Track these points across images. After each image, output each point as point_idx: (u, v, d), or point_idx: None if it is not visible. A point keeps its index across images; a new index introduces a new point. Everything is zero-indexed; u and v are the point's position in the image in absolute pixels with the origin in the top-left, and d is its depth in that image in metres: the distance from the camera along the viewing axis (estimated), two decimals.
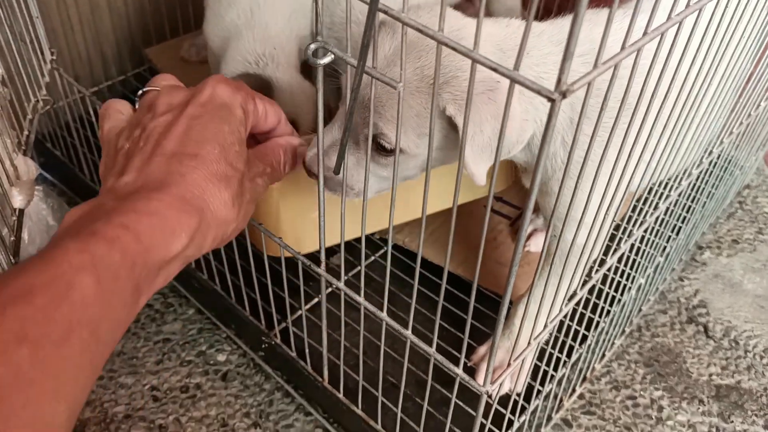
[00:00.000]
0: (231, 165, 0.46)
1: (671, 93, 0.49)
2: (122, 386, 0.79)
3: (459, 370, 0.52)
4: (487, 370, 0.50)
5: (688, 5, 0.39)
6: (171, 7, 1.07)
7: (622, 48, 0.36)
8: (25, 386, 0.32)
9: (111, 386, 0.79)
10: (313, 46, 0.43)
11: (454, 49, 0.35)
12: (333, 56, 0.43)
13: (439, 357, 0.53)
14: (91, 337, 0.35)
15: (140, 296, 0.40)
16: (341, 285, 0.58)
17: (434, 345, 0.53)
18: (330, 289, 0.61)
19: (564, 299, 0.57)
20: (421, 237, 0.50)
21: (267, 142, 0.54)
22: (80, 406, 0.36)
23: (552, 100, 0.33)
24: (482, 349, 0.75)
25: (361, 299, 0.57)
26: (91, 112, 0.82)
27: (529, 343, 0.55)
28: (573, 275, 0.57)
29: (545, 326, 0.55)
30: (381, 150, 0.55)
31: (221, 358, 0.82)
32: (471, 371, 0.74)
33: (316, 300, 0.81)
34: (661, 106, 0.48)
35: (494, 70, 0.34)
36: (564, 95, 0.33)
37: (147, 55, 1.09)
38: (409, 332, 0.54)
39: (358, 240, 0.88)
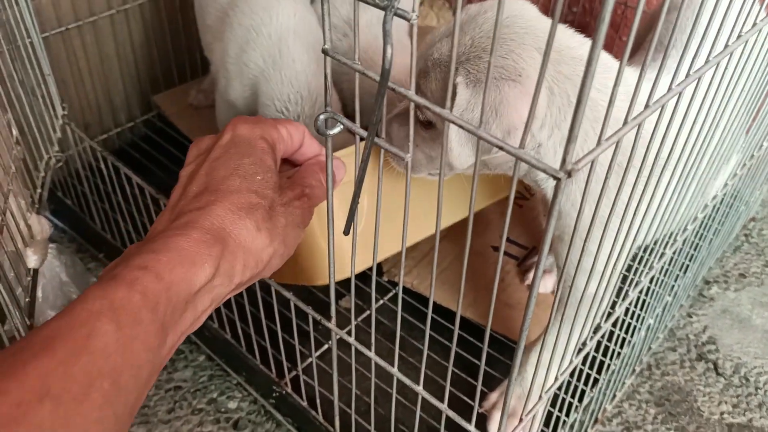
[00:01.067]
0: (256, 193, 0.46)
1: (674, 155, 0.50)
2: None
3: (471, 427, 0.52)
4: (500, 425, 0.50)
5: (688, 75, 0.40)
6: (178, 54, 1.09)
7: (625, 122, 0.36)
8: None
9: None
10: (322, 117, 0.44)
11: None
12: (342, 126, 0.44)
13: (451, 413, 0.53)
14: (112, 387, 0.35)
15: (167, 336, 0.39)
16: (351, 339, 0.58)
17: (446, 400, 0.53)
18: (339, 337, 0.61)
19: (575, 347, 0.58)
20: (432, 282, 0.51)
21: (302, 166, 0.54)
22: None
23: (557, 179, 0.34)
24: (494, 396, 0.76)
25: (372, 354, 0.57)
26: (100, 160, 0.84)
27: (540, 396, 0.55)
28: (585, 323, 0.58)
29: (556, 378, 0.56)
30: (421, 123, 0.57)
31: (232, 405, 0.82)
32: (482, 420, 0.74)
33: (326, 346, 0.82)
34: (663, 169, 0.49)
35: (500, 148, 0.35)
36: (569, 174, 0.33)
37: (155, 102, 1.11)
38: (420, 388, 0.55)
39: (366, 283, 0.89)
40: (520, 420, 0.54)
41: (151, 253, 0.40)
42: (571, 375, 0.68)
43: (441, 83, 0.55)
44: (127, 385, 0.36)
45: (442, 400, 0.54)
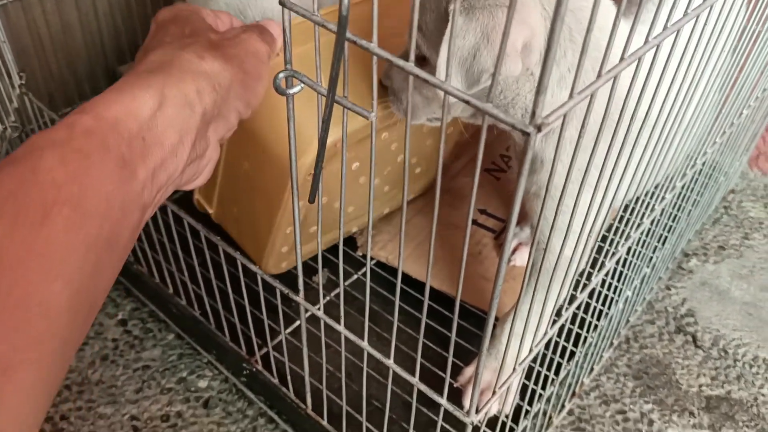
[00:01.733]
0: (192, 35, 0.47)
1: (653, 110, 0.48)
2: (101, 416, 0.77)
3: (443, 401, 0.50)
4: (472, 397, 0.49)
5: (665, 28, 0.38)
6: (144, 24, 1.05)
7: (598, 76, 0.34)
8: (7, 269, 0.31)
9: (90, 417, 0.77)
10: (281, 75, 0.42)
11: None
12: (303, 86, 0.42)
13: (423, 387, 0.51)
14: (74, 213, 0.34)
15: (135, 171, 0.37)
16: (320, 313, 0.56)
17: (417, 374, 0.51)
18: (310, 313, 0.59)
19: (551, 316, 0.56)
20: (401, 249, 0.49)
21: None
22: (88, 289, 0.34)
23: (527, 134, 0.31)
24: (469, 370, 0.74)
25: (341, 328, 0.55)
26: None
27: (514, 369, 0.53)
28: (561, 289, 0.56)
29: (530, 350, 0.54)
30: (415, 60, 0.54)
31: (203, 384, 0.80)
32: (457, 393, 0.73)
33: (298, 323, 0.79)
34: (643, 122, 0.47)
35: (467, 102, 0.33)
36: (539, 129, 0.31)
37: (121, 73, 1.07)
38: (391, 361, 0.53)
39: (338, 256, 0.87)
40: (494, 393, 0.52)
41: (89, 102, 0.39)
42: (547, 347, 0.66)
43: (435, 14, 0.52)
44: (94, 212, 0.35)
45: (416, 374, 0.52)
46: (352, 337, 0.55)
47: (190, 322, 0.79)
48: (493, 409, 0.69)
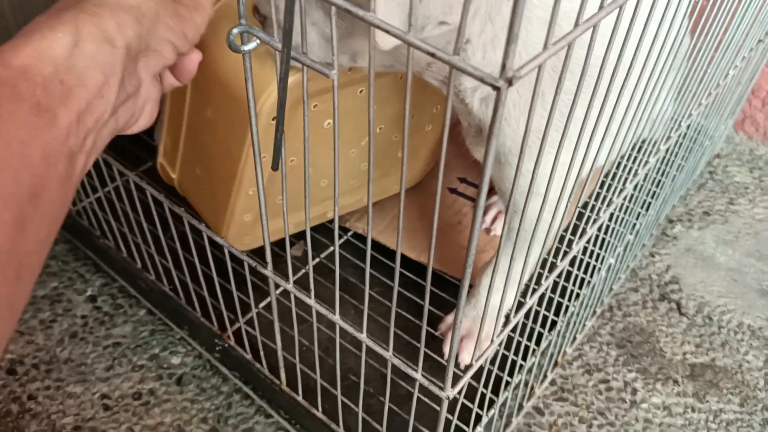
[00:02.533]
0: None
1: (634, 65, 0.45)
2: (70, 396, 0.74)
3: (418, 375, 0.48)
4: (452, 343, 0.46)
5: None
6: None
7: (576, 25, 0.32)
8: None
9: (58, 396, 0.74)
10: (236, 31, 0.39)
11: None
12: (259, 42, 0.39)
13: (396, 360, 0.49)
14: None
15: (55, 117, 0.34)
16: (290, 287, 0.54)
17: (390, 347, 0.49)
18: (282, 288, 0.57)
19: (531, 271, 0.54)
20: (369, 220, 0.46)
21: None
22: (10, 249, 0.32)
23: (497, 89, 0.29)
24: (450, 318, 0.72)
25: (311, 301, 0.53)
26: None
27: (492, 340, 0.51)
28: (534, 251, 0.53)
29: (505, 324, 0.52)
30: None
31: (175, 360, 0.78)
32: (433, 369, 0.71)
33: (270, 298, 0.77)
34: (625, 79, 0.45)
35: (432, 55, 0.30)
36: (510, 83, 0.29)
37: None
38: (363, 335, 0.51)
39: (315, 229, 0.84)
40: (475, 346, 0.50)
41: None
42: (527, 317, 0.64)
43: None
44: (5, 165, 0.32)
45: (390, 348, 0.50)
46: (323, 311, 0.53)
47: (160, 297, 0.76)
48: (465, 359, 0.68)
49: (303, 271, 0.78)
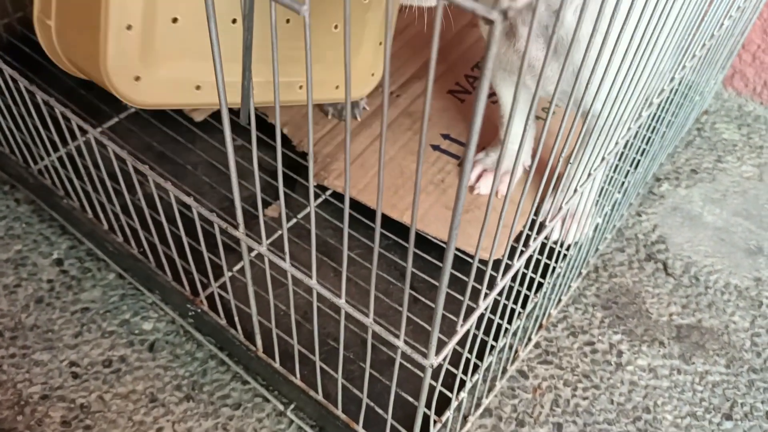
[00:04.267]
0: None
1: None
2: (37, 364, 0.71)
3: (400, 342, 0.46)
4: (494, 182, 0.44)
5: None
6: None
7: None
8: None
9: (24, 364, 0.71)
10: None
11: None
12: None
13: (377, 328, 0.46)
14: None
15: None
16: (263, 249, 0.50)
17: (371, 315, 0.46)
18: (256, 252, 0.53)
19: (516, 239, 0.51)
20: (347, 169, 0.43)
21: None
22: None
23: (491, 22, 0.25)
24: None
25: (286, 265, 0.49)
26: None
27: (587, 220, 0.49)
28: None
29: (491, 286, 0.49)
30: None
31: (147, 326, 0.74)
32: (416, 333, 0.69)
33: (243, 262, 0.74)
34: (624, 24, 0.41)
35: None
36: (505, 15, 0.25)
37: None
38: (342, 300, 0.48)
39: (291, 187, 0.81)
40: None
41: None
42: (513, 280, 0.62)
43: None
44: None
45: (370, 315, 0.47)
46: (299, 275, 0.49)
47: (129, 260, 0.72)
48: (554, 234, 0.74)
49: (279, 233, 0.75)
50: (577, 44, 0.47)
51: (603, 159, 0.60)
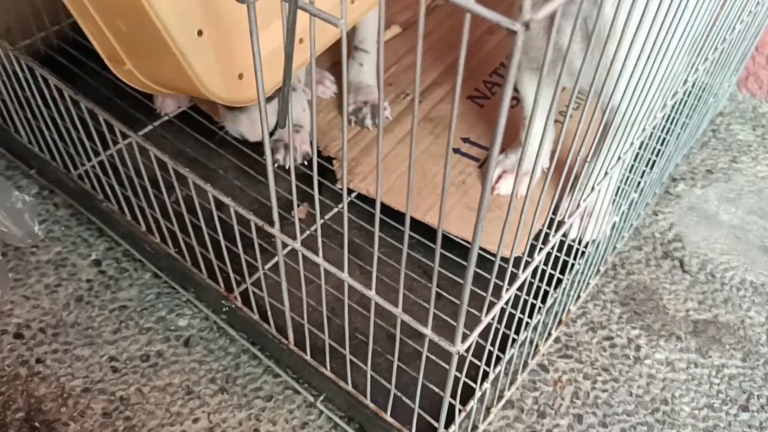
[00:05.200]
0: None
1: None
2: (78, 359, 0.75)
3: (427, 330, 0.49)
4: (515, 179, 0.47)
5: None
6: None
7: None
8: None
9: (67, 359, 0.75)
10: None
11: None
12: None
13: (406, 317, 0.49)
14: None
15: None
16: (297, 245, 0.54)
17: (400, 305, 0.49)
18: (289, 248, 0.57)
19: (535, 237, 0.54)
20: (379, 181, 0.46)
21: None
22: None
23: (513, 32, 0.28)
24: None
25: (319, 260, 0.53)
26: (25, 68, 0.75)
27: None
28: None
29: (512, 281, 0.52)
30: None
31: (182, 322, 0.78)
32: (439, 328, 0.71)
33: (276, 259, 0.77)
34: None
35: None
36: (527, 26, 0.28)
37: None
38: (372, 292, 0.51)
39: (319, 191, 0.84)
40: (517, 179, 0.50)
41: None
42: (534, 276, 0.65)
43: None
44: None
45: (399, 305, 0.50)
46: (332, 269, 0.52)
47: (165, 260, 0.76)
48: (572, 233, 0.77)
49: (308, 232, 0.78)
50: (612, 36, 0.50)
51: (619, 158, 0.63)
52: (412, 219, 0.79)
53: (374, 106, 0.90)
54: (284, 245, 0.56)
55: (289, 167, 0.68)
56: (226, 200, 0.57)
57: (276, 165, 0.84)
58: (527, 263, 0.54)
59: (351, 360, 0.62)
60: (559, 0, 0.30)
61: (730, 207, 0.93)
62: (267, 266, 0.75)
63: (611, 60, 0.44)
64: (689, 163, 0.99)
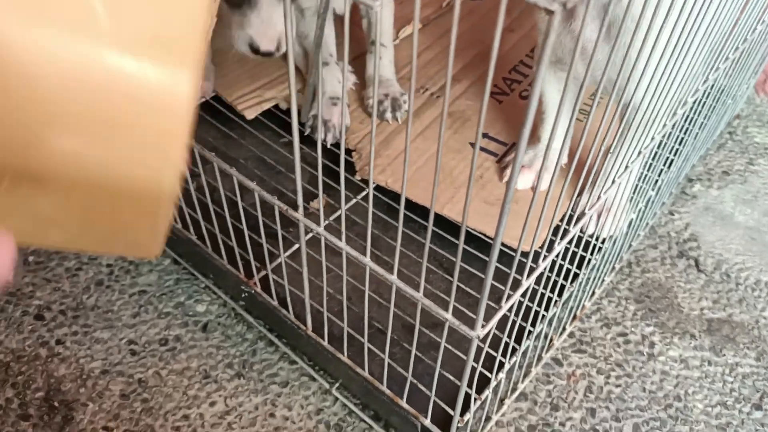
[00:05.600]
0: None
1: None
2: (98, 341, 0.76)
3: (448, 315, 0.49)
4: (513, 171, 0.47)
5: None
6: None
7: None
8: None
9: (86, 341, 0.76)
10: None
11: None
12: None
13: (427, 302, 0.50)
14: None
15: None
16: (321, 230, 0.54)
17: (421, 289, 0.50)
18: (310, 235, 0.57)
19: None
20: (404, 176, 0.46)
21: None
22: None
23: (551, 12, 0.29)
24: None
25: (342, 244, 0.53)
26: None
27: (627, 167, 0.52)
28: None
29: (530, 273, 0.53)
30: None
31: (200, 308, 0.79)
32: (459, 315, 0.72)
33: (296, 246, 0.78)
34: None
35: None
36: (564, 6, 0.29)
37: None
38: (394, 277, 0.51)
39: (338, 181, 0.85)
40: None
41: None
42: (551, 270, 0.65)
43: None
44: None
45: (420, 290, 0.51)
46: (354, 253, 0.53)
47: (186, 246, 0.77)
48: (590, 228, 0.77)
49: (327, 221, 0.79)
50: (627, 25, 0.50)
51: (639, 153, 0.63)
52: (428, 211, 0.79)
53: (395, 99, 0.90)
54: (307, 231, 0.57)
55: (318, 151, 0.68)
56: (251, 185, 0.58)
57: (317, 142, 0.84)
58: (545, 257, 0.55)
59: (369, 348, 0.63)
60: None
61: (746, 208, 0.94)
62: (287, 253, 0.76)
63: (635, 58, 0.45)
64: (706, 164, 0.99)
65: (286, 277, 0.67)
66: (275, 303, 0.70)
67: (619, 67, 0.44)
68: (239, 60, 0.94)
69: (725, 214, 0.93)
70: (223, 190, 0.65)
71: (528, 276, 0.54)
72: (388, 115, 0.91)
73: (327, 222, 0.79)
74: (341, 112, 0.43)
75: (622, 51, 0.45)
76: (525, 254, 0.51)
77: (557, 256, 0.62)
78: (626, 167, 0.62)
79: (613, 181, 0.60)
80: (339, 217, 0.81)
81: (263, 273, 0.72)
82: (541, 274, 0.66)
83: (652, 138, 0.64)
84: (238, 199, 0.62)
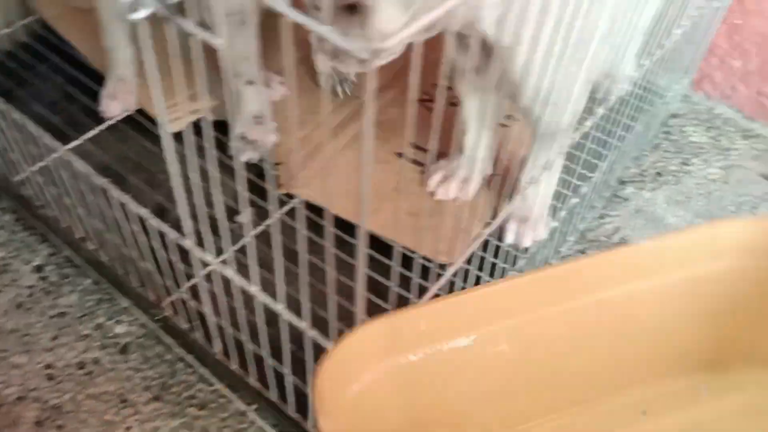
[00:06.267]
0: None
1: None
2: (15, 366, 0.75)
3: (329, 344, 0.48)
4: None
5: None
6: None
7: None
8: None
9: (3, 367, 0.74)
10: None
11: None
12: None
13: (312, 333, 0.49)
14: None
15: None
16: (215, 264, 0.53)
17: (309, 318, 0.49)
18: (209, 269, 0.56)
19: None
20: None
21: None
22: None
23: (364, 61, 0.28)
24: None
25: (237, 280, 0.52)
26: None
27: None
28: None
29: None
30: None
31: (120, 330, 0.78)
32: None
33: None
34: None
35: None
36: (376, 55, 0.28)
37: (35, 5, 1.00)
38: (281, 307, 0.51)
39: (262, 196, 0.84)
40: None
41: None
42: (465, 281, 0.65)
43: None
44: None
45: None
46: (244, 284, 0.52)
47: (103, 266, 0.76)
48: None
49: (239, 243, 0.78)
50: (502, 50, 0.50)
51: (545, 166, 0.63)
52: (349, 223, 0.79)
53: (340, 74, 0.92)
54: (204, 264, 0.56)
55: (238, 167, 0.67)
56: (144, 212, 0.57)
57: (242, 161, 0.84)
58: (449, 265, 0.54)
59: (275, 370, 0.62)
60: (408, 31, 0.30)
61: (678, 210, 0.94)
62: (189, 284, 0.75)
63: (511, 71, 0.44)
64: (639, 165, 0.99)
65: (194, 300, 0.66)
66: (185, 326, 0.69)
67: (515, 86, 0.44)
68: (163, 72, 0.92)
69: (657, 216, 0.93)
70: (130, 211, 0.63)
71: (437, 281, 0.53)
72: (338, 88, 0.95)
73: (231, 251, 0.78)
74: (265, 131, 0.42)
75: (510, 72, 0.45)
76: (444, 266, 0.51)
77: (468, 263, 0.62)
78: (531, 179, 0.61)
79: (521, 194, 0.60)
80: (261, 235, 0.80)
81: (175, 296, 0.70)
82: (453, 283, 0.65)
83: (559, 152, 0.64)
84: (138, 225, 0.61)
